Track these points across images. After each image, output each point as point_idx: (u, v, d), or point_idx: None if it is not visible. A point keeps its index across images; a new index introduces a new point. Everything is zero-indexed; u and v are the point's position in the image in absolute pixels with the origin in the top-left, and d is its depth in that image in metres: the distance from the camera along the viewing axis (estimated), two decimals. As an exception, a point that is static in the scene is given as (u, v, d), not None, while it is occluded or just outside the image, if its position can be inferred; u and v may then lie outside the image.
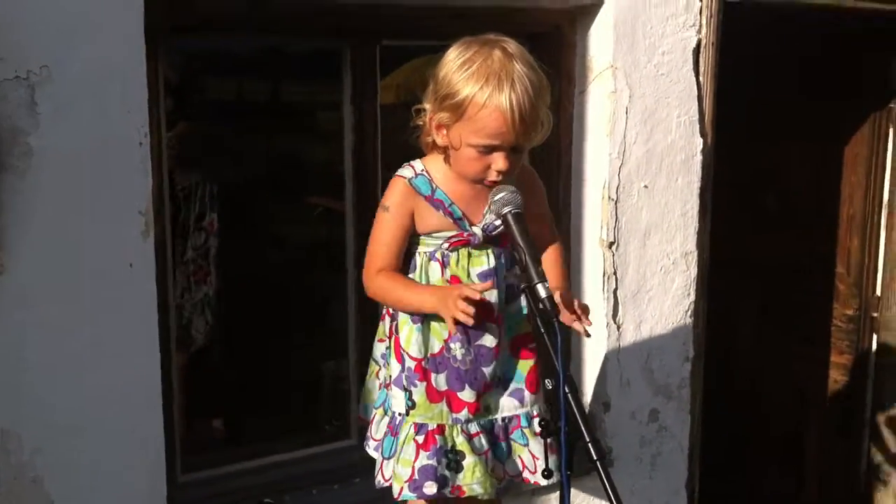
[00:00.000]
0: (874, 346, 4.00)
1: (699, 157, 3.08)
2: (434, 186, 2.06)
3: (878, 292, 3.96)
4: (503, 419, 2.15)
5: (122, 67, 2.18)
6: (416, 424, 2.10)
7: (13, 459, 2.19)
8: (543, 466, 2.00)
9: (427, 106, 2.00)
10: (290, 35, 2.89)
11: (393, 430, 2.14)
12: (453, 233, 2.07)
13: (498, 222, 2.01)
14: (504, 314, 2.11)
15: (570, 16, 2.92)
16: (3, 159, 2.07)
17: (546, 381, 1.78)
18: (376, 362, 2.24)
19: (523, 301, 2.00)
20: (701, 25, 2.99)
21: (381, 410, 2.20)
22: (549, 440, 1.97)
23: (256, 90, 4.22)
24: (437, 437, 2.09)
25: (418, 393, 2.09)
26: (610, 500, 1.66)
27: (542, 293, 1.81)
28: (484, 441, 2.13)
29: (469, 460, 2.10)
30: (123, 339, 2.28)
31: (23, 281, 2.14)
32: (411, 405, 2.10)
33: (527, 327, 2.12)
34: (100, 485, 2.29)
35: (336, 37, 2.71)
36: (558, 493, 1.76)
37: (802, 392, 4.18)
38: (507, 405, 2.15)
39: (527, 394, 2.15)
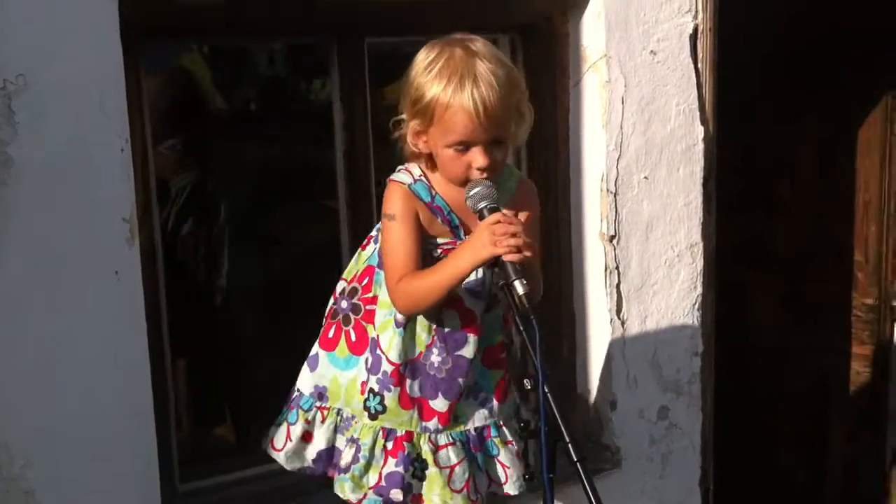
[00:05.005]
0: (896, 336, 3.89)
1: (701, 146, 3.00)
2: (433, 193, 2.01)
3: (898, 280, 3.86)
4: (475, 430, 2.12)
5: (99, 73, 2.16)
6: (384, 430, 2.06)
7: (4, 472, 2.17)
8: (515, 476, 2.03)
9: (404, 116, 1.98)
10: (271, 35, 2.86)
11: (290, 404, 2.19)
12: (447, 240, 2.03)
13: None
14: (483, 323, 2.07)
15: (561, 5, 2.85)
16: (-20, 170, 2.06)
17: (525, 380, 1.73)
18: None
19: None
20: (697, 11, 2.92)
21: None
22: (517, 449, 1.99)
23: (248, 92, 4.20)
24: (405, 443, 2.06)
25: (391, 398, 2.05)
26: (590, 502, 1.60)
27: (521, 290, 1.76)
28: (452, 454, 2.09)
29: (431, 471, 2.07)
30: (111, 349, 2.25)
31: (7, 292, 2.12)
32: (381, 409, 2.06)
33: (500, 337, 2.11)
34: (92, 497, 2.27)
35: (319, 33, 2.68)
36: (541, 500, 1.71)
37: (824, 385, 4.08)
38: (479, 415, 2.12)
39: (495, 404, 2.12)
